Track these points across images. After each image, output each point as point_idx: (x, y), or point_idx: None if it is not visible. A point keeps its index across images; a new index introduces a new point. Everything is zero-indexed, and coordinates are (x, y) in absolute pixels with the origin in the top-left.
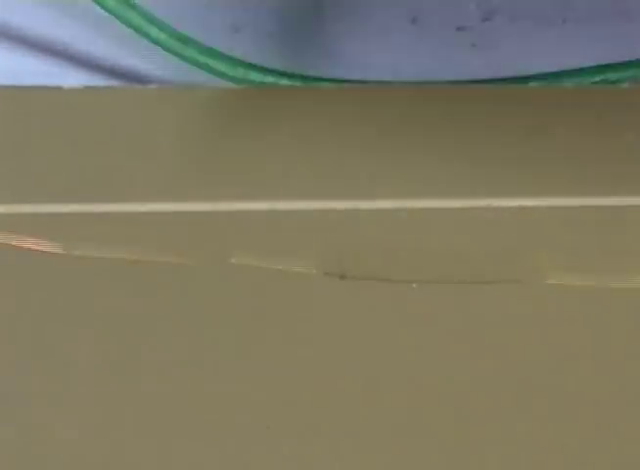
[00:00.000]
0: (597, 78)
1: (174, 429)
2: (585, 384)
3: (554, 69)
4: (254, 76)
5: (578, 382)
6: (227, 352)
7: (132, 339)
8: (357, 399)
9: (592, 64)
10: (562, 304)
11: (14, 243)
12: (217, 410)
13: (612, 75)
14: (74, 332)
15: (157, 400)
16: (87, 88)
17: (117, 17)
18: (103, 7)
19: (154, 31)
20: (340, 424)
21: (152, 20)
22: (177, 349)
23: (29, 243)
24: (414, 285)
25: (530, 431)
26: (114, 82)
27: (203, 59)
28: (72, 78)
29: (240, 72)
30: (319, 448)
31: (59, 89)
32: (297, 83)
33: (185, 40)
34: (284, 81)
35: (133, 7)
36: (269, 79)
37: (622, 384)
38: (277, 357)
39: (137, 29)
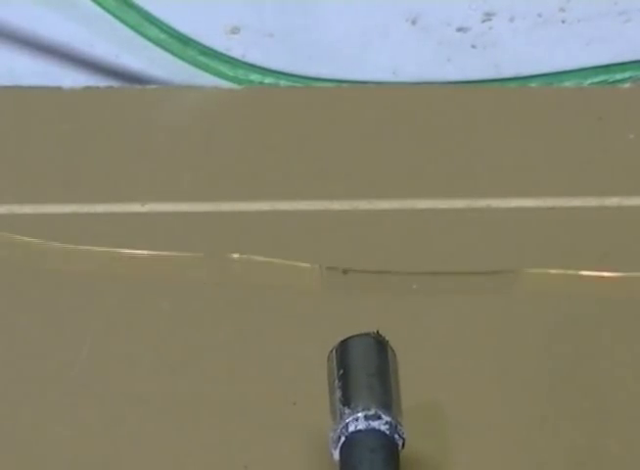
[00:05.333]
0: (597, 78)
1: (172, 430)
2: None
3: (554, 69)
4: (254, 76)
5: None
6: (225, 353)
7: (131, 339)
8: None
9: (592, 64)
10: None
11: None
12: (215, 411)
13: (612, 75)
14: (74, 333)
15: (155, 401)
16: (87, 88)
17: (117, 17)
18: (103, 7)
19: (154, 31)
20: None
21: (152, 20)
22: (176, 348)
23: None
24: (414, 286)
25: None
26: (113, 82)
27: (203, 59)
28: (72, 78)
29: (240, 73)
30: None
31: (59, 89)
32: (297, 83)
33: (185, 40)
34: (284, 81)
35: (133, 7)
36: (269, 79)
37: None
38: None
39: (137, 29)
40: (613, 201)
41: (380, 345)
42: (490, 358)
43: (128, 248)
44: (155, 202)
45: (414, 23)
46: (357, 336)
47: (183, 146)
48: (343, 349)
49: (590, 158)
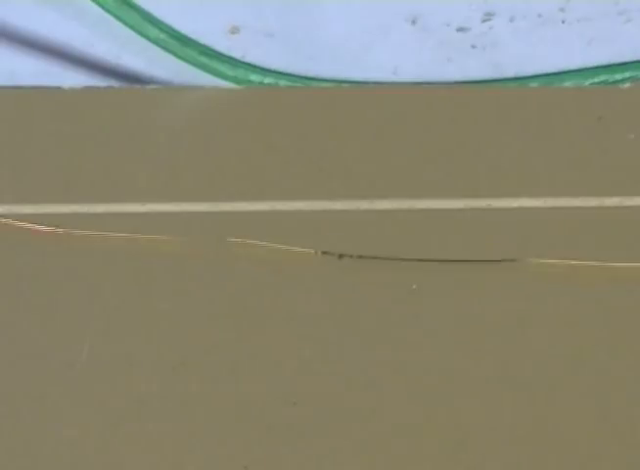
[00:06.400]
0: (597, 78)
1: (172, 430)
2: (586, 381)
3: (554, 69)
4: (254, 76)
5: (579, 379)
6: (225, 353)
7: (131, 339)
8: (356, 396)
9: (592, 64)
10: (559, 302)
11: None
12: (217, 403)
13: (612, 75)
14: (74, 333)
15: (155, 401)
16: (87, 88)
17: (117, 17)
18: (103, 7)
19: (154, 31)
20: (339, 417)
21: (152, 20)
22: (176, 348)
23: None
24: (414, 286)
25: (529, 430)
26: (113, 82)
27: (203, 59)
28: (72, 78)
29: (240, 73)
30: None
31: (59, 89)
32: (297, 83)
33: (185, 40)
34: (284, 81)
35: (133, 7)
36: (269, 79)
37: (622, 382)
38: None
39: (137, 29)
40: (613, 201)
41: None
42: (489, 353)
43: (128, 247)
44: (155, 202)
45: (414, 23)
46: None
47: (183, 146)
48: None
49: (590, 158)
